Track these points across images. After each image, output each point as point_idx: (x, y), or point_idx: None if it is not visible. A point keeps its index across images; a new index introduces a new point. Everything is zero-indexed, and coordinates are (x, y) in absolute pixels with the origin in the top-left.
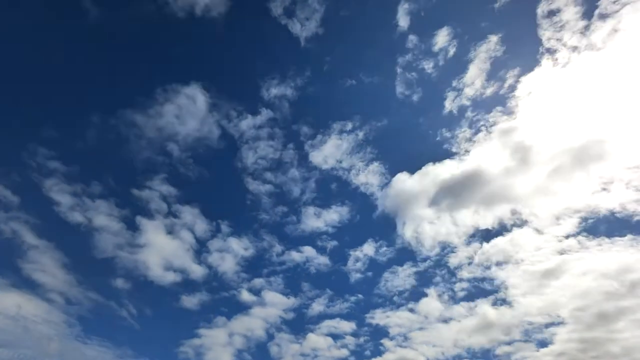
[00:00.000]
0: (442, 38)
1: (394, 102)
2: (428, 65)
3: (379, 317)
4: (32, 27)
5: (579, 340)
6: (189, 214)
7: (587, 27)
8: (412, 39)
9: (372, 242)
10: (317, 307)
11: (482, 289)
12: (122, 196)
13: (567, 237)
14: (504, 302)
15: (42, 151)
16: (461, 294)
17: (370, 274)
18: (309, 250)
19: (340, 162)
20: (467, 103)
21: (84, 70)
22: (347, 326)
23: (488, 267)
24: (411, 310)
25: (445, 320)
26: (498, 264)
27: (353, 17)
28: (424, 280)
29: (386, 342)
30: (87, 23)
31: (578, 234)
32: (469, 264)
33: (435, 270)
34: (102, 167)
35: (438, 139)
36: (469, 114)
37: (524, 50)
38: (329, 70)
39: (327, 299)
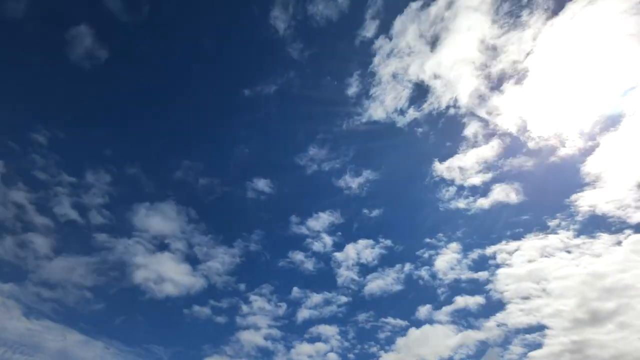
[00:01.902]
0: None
1: (370, 101)
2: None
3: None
4: None
5: (568, 343)
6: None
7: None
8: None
9: (359, 244)
10: (308, 313)
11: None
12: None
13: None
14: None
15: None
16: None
17: (358, 277)
18: (297, 256)
19: (321, 164)
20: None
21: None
22: (336, 331)
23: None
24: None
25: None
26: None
27: (322, 15)
28: (410, 282)
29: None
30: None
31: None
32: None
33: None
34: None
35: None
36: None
37: None
38: (308, 70)
39: (318, 304)
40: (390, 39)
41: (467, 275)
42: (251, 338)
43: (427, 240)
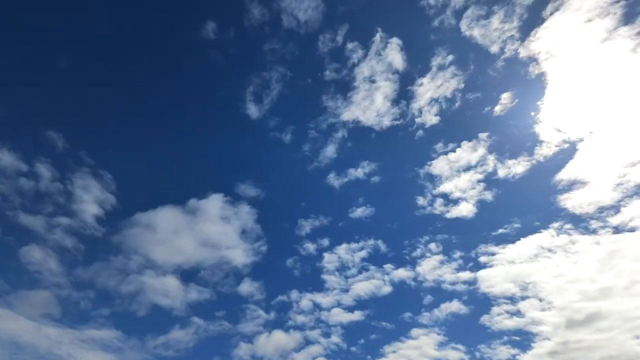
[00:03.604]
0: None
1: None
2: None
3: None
4: None
5: (555, 345)
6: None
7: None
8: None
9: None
10: (300, 317)
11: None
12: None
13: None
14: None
15: None
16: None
17: (345, 280)
18: (287, 260)
19: (304, 166)
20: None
21: None
22: (322, 333)
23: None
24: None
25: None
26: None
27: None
28: (395, 285)
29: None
30: None
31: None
32: None
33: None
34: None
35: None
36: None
37: None
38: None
39: (308, 308)
40: (367, 43)
41: (451, 277)
42: (244, 345)
43: (412, 242)
